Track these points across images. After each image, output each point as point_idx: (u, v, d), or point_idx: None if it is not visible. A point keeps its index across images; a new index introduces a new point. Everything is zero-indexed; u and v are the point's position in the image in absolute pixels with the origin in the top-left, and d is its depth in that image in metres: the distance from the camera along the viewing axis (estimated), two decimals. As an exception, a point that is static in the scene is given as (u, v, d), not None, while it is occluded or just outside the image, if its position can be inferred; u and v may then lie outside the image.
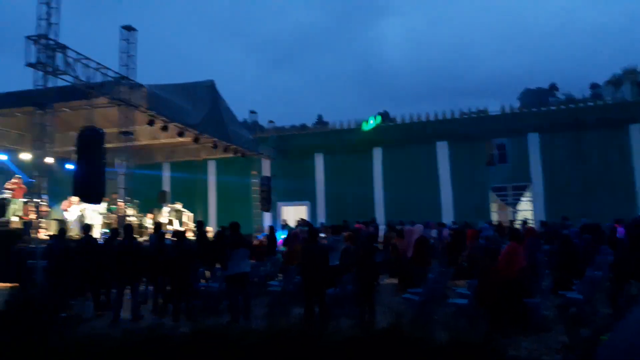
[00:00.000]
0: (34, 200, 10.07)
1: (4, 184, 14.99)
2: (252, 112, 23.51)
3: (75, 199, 14.09)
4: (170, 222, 17.58)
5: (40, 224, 9.89)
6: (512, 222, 17.71)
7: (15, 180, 15.01)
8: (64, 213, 14.72)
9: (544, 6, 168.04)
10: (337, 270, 8.91)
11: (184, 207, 19.60)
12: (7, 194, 14.78)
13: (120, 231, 9.97)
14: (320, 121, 64.70)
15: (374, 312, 7.54)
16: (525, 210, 20.62)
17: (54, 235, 10.31)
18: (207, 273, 10.62)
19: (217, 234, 11.99)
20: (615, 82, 56.37)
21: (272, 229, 14.70)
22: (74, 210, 14.73)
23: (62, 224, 13.44)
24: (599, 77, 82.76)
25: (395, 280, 11.54)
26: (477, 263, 9.84)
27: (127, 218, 12.37)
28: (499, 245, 10.80)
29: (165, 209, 18.36)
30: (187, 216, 19.31)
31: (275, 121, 27.27)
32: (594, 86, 64.48)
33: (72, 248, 9.83)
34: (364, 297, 7.57)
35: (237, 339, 4.35)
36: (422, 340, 4.18)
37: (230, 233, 8.31)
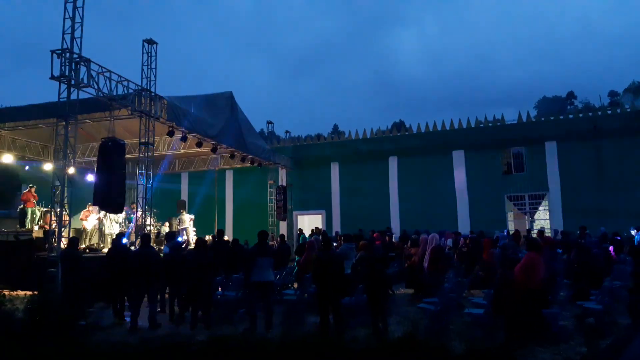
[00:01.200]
0: (56, 209, 10.27)
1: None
2: (269, 122, 23.85)
3: (94, 208, 14.37)
4: (186, 230, 17.76)
5: (62, 233, 10.10)
6: (529, 231, 17.54)
7: (27, 191, 15.34)
8: (83, 222, 15.01)
9: (562, 14, 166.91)
10: (349, 279, 8.92)
11: (201, 215, 19.81)
12: (22, 205, 15.12)
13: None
14: (336, 131, 65.02)
15: (386, 322, 7.53)
16: (543, 219, 20.39)
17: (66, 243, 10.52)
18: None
19: (234, 242, 12.10)
20: (635, 90, 55.66)
21: (283, 238, 14.74)
22: (92, 219, 15.01)
23: (77, 233, 13.71)
24: (618, 85, 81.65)
25: (411, 290, 11.52)
26: (493, 272, 9.80)
27: (146, 227, 12.54)
28: (516, 255, 10.74)
29: (184, 218, 18.57)
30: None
31: (291, 131, 27.57)
32: (612, 94, 63.79)
33: (82, 256, 9.99)
34: (374, 306, 7.56)
35: (252, 347, 4.42)
36: (438, 349, 4.20)
37: (259, 241, 8.39)
